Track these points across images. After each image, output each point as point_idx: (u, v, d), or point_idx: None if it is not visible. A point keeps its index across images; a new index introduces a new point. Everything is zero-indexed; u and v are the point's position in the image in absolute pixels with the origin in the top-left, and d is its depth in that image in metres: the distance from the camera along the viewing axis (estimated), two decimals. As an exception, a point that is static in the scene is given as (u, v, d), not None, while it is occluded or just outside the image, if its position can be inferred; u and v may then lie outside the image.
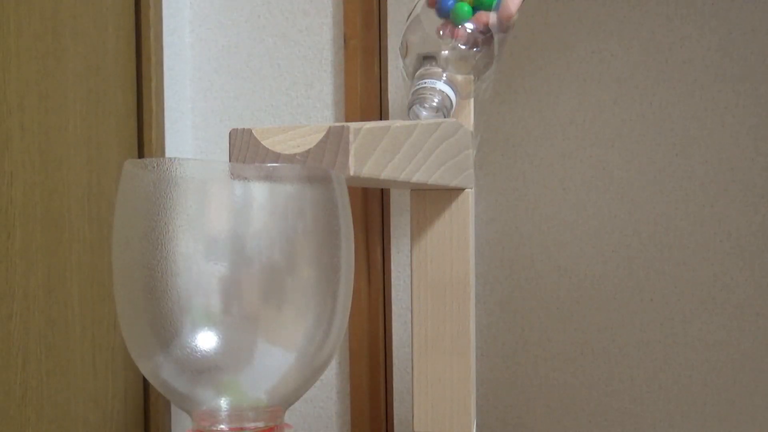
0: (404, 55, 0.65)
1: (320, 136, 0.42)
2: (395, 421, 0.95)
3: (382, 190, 0.94)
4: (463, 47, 0.63)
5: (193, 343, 0.34)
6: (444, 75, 0.61)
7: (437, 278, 0.61)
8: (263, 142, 0.43)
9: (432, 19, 0.65)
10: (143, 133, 0.92)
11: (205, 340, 0.35)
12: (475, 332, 0.90)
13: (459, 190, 0.61)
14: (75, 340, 0.81)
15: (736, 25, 0.80)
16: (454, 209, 0.61)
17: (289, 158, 0.42)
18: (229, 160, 0.44)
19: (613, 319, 0.85)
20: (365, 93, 0.94)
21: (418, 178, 0.51)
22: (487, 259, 0.90)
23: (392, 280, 0.95)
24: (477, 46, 0.64)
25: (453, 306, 0.61)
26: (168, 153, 0.97)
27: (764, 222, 0.80)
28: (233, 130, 0.44)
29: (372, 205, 0.94)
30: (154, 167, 0.35)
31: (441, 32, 0.64)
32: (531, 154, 0.88)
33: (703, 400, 0.82)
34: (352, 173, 0.42)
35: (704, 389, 0.82)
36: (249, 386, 0.36)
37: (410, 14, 0.67)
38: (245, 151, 0.43)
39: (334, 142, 0.42)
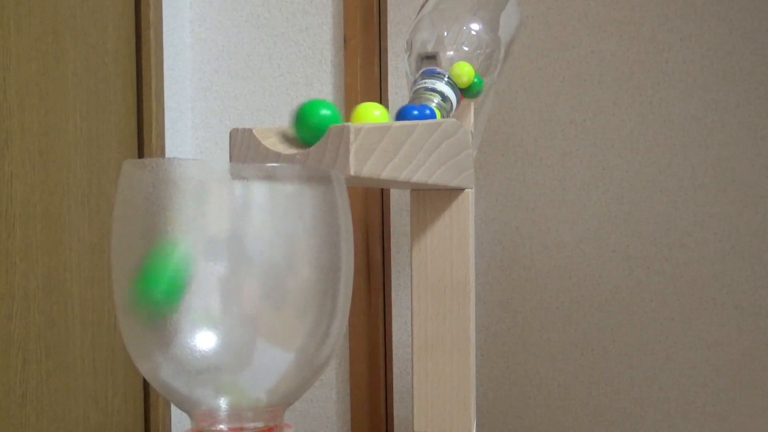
0: (408, 54, 0.65)
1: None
2: (395, 421, 0.95)
3: (382, 190, 0.94)
4: (466, 49, 0.63)
5: (193, 343, 0.34)
6: (445, 76, 0.61)
7: (437, 278, 0.61)
8: (264, 142, 0.43)
9: (439, 20, 0.65)
10: (143, 133, 0.92)
11: (205, 340, 0.34)
12: (475, 332, 0.90)
13: (459, 190, 0.61)
14: (75, 340, 0.81)
15: (736, 25, 0.80)
16: (454, 209, 0.61)
17: (290, 158, 0.42)
18: (230, 160, 0.44)
19: (613, 319, 0.85)
20: (365, 93, 0.94)
21: (418, 178, 0.51)
22: (487, 259, 0.90)
23: (392, 280, 0.95)
24: (481, 49, 0.64)
25: (453, 306, 0.61)
26: (168, 153, 0.97)
27: (764, 222, 0.80)
28: (234, 129, 0.44)
29: (372, 205, 0.94)
30: (153, 167, 0.35)
31: (446, 33, 0.64)
32: (531, 154, 0.88)
33: (703, 400, 0.82)
34: (352, 173, 0.42)
35: (704, 389, 0.82)
36: (248, 386, 0.36)
37: (418, 13, 0.67)
38: (245, 150, 0.43)
39: (335, 142, 0.42)
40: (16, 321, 0.74)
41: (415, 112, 0.54)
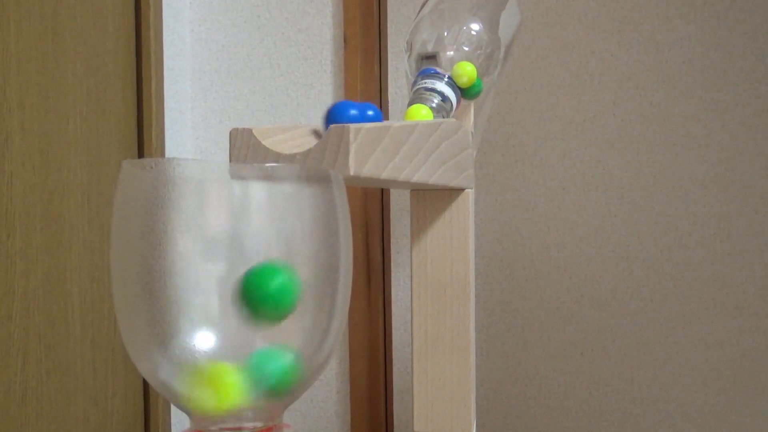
0: (408, 55, 0.65)
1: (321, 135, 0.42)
2: (395, 421, 0.95)
3: (382, 190, 0.94)
4: (466, 49, 0.63)
5: (192, 343, 0.34)
6: (446, 76, 0.61)
7: (437, 278, 0.61)
8: (264, 142, 0.43)
9: (439, 20, 0.65)
10: (143, 133, 0.92)
11: (204, 340, 0.34)
12: (475, 332, 0.90)
13: (459, 190, 0.61)
14: (75, 340, 0.81)
15: (736, 25, 0.80)
16: (454, 209, 0.61)
17: (290, 158, 0.42)
18: (230, 160, 0.44)
19: (613, 319, 0.85)
20: (365, 93, 0.94)
21: (418, 178, 0.51)
22: (487, 259, 0.90)
23: (392, 280, 0.95)
24: (481, 49, 0.64)
25: (453, 306, 0.61)
26: (168, 153, 0.97)
27: (764, 222, 0.80)
28: (233, 129, 0.44)
29: (372, 205, 0.94)
30: (152, 167, 0.35)
31: (446, 33, 0.64)
32: (531, 154, 0.88)
33: (703, 400, 0.82)
34: (352, 173, 0.42)
35: (704, 389, 0.82)
36: (247, 386, 0.36)
37: (418, 13, 0.67)
38: (245, 150, 0.43)
39: (335, 142, 0.42)
40: (16, 321, 0.74)
41: (353, 112, 0.45)
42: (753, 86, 0.80)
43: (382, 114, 0.46)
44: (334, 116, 0.46)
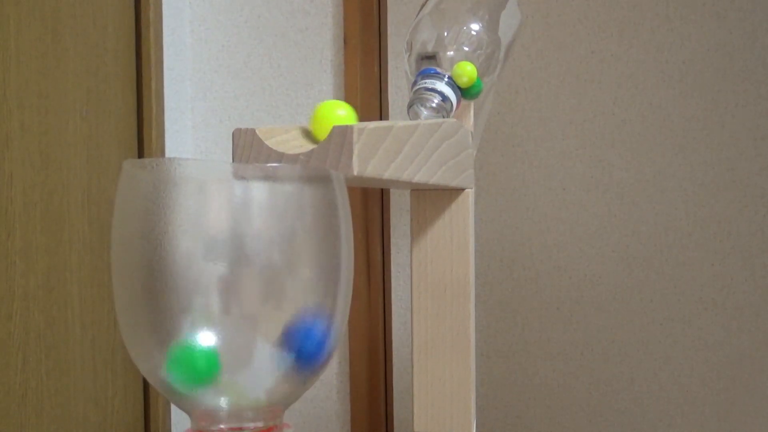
0: (408, 55, 0.65)
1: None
2: (395, 421, 0.95)
3: (382, 190, 0.94)
4: (466, 49, 0.63)
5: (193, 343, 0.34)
6: (446, 76, 0.61)
7: (437, 278, 0.61)
8: (267, 142, 0.43)
9: (438, 21, 0.65)
10: (143, 133, 0.92)
11: (204, 340, 0.34)
12: (475, 332, 0.90)
13: (459, 190, 0.61)
14: (75, 340, 0.81)
15: (736, 25, 0.80)
16: (454, 209, 0.61)
17: (293, 158, 0.42)
18: (233, 160, 0.44)
19: (613, 319, 0.85)
20: (365, 93, 0.94)
21: (419, 178, 0.51)
22: (487, 259, 0.90)
23: (392, 280, 0.95)
24: (481, 49, 0.64)
25: (453, 306, 0.61)
26: (168, 153, 0.97)
27: (764, 222, 0.80)
28: (237, 130, 0.44)
29: (372, 205, 0.94)
30: (153, 167, 0.35)
31: (446, 33, 0.64)
32: (531, 154, 0.88)
33: (703, 400, 0.82)
34: (355, 173, 0.42)
35: (704, 389, 0.82)
36: (248, 386, 0.36)
37: (418, 13, 0.67)
38: (249, 150, 0.43)
39: (338, 142, 0.42)
40: (16, 321, 0.74)
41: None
42: (753, 86, 0.80)
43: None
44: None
